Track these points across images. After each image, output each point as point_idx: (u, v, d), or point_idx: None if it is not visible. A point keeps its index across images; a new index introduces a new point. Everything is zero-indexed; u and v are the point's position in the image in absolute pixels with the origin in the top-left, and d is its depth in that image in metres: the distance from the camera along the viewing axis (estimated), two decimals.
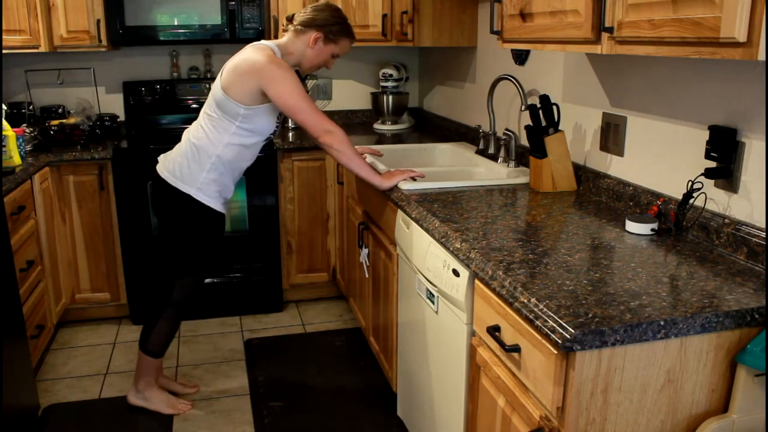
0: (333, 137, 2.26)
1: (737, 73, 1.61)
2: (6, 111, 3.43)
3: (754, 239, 1.55)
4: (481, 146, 2.87)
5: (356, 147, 2.86)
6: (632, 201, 2.00)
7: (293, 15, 2.38)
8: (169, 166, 2.37)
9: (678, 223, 1.78)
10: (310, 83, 3.90)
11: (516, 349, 1.39)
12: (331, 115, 3.94)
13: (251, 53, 2.26)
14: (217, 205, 2.39)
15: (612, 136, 2.12)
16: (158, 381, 2.66)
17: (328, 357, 3.05)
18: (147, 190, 3.20)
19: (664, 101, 1.88)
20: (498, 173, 2.60)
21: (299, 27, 2.34)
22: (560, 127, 2.31)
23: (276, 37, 3.44)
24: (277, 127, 2.43)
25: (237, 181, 2.47)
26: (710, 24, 1.21)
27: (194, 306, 2.89)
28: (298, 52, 2.37)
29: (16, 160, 2.80)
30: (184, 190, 2.33)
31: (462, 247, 1.68)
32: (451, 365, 1.83)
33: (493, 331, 1.49)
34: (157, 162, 2.46)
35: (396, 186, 2.30)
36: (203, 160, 2.32)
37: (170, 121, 3.73)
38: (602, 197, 2.15)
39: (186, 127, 2.46)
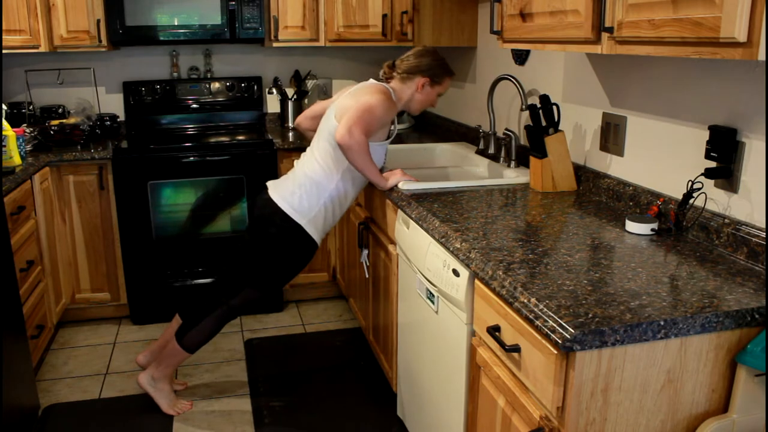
0: (354, 140, 2.24)
1: (737, 73, 1.61)
2: (6, 111, 3.43)
3: (754, 239, 1.55)
4: (481, 146, 2.87)
5: None
6: (632, 201, 2.00)
7: (394, 62, 2.46)
8: (285, 194, 2.39)
9: (678, 223, 1.78)
10: (309, 83, 3.90)
11: (516, 349, 1.39)
12: None
13: (368, 91, 2.32)
14: (318, 238, 2.44)
15: (612, 136, 2.12)
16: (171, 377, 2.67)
17: (328, 357, 3.05)
18: (147, 190, 3.20)
19: (664, 101, 1.88)
20: (498, 173, 2.60)
21: (405, 74, 2.42)
22: (560, 127, 2.31)
23: (275, 38, 3.44)
24: (384, 162, 2.50)
25: (342, 216, 2.53)
26: (710, 24, 1.21)
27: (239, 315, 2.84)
28: (406, 97, 2.46)
29: (16, 160, 2.80)
30: (296, 219, 2.37)
31: (462, 247, 1.68)
32: (451, 365, 1.83)
33: (493, 331, 1.49)
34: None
35: (396, 186, 2.30)
36: (320, 194, 2.38)
37: (170, 121, 3.73)
38: (602, 197, 2.15)
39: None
